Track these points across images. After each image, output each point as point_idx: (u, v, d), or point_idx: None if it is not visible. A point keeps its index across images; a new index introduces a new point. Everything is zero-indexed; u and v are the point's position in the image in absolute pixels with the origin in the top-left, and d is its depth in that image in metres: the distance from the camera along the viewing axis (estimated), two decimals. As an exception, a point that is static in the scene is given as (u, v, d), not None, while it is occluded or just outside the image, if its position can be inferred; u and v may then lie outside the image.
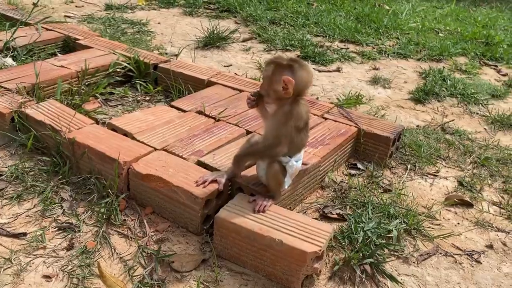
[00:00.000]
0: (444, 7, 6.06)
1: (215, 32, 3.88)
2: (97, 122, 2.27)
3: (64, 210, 1.78)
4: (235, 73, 3.22)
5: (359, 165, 2.21)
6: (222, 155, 1.93)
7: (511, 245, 1.81)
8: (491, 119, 2.89)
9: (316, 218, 1.83)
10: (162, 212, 1.78)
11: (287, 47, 3.94)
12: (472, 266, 1.69)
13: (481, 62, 4.02)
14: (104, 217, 1.73)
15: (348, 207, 1.91)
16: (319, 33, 4.43)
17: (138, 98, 2.73)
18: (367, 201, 1.91)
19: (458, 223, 1.91)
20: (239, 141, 2.07)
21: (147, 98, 2.75)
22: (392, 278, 1.54)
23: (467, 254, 1.74)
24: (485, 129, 2.81)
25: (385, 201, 1.93)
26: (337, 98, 2.96)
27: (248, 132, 2.16)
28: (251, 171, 1.81)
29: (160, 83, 2.84)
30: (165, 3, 5.13)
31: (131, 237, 1.67)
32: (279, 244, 1.46)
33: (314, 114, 2.32)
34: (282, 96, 1.51)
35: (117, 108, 2.60)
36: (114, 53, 2.91)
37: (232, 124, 2.21)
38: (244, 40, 4.11)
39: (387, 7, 5.58)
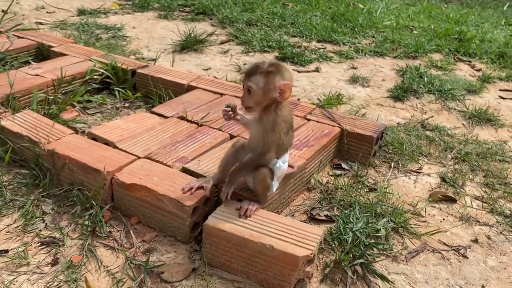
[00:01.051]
0: (416, 5, 6.17)
1: (192, 35, 3.85)
2: (76, 131, 2.22)
3: (46, 224, 1.73)
4: (215, 77, 3.20)
5: (343, 165, 2.21)
6: (207, 161, 1.91)
7: (495, 238, 1.85)
8: (469, 114, 2.95)
9: (304, 221, 1.83)
10: (149, 221, 1.75)
11: (265, 49, 3.94)
12: (460, 261, 1.71)
13: (455, 58, 4.10)
14: (89, 229, 1.68)
15: (335, 208, 1.91)
16: (296, 33, 4.44)
17: (117, 105, 2.67)
18: (354, 201, 1.91)
19: (443, 219, 1.94)
20: (223, 145, 2.05)
21: (126, 104, 2.70)
22: (383, 278, 1.54)
23: (454, 249, 1.76)
24: (463, 124, 2.86)
25: (371, 200, 1.94)
26: (318, 99, 2.97)
27: (231, 137, 2.14)
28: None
29: (139, 89, 2.79)
30: (139, 6, 5.07)
31: (117, 249, 1.63)
32: (271, 250, 1.45)
33: (297, 116, 2.32)
34: (272, 102, 1.50)
35: (96, 116, 2.54)
36: (90, 60, 2.85)
37: (215, 128, 2.19)
38: (221, 43, 4.09)
39: (361, 6, 5.64)
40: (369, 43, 4.30)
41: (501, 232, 1.88)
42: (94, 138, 2.06)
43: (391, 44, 4.25)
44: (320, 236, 1.51)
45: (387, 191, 2.04)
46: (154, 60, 3.27)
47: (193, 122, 2.24)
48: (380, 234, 1.74)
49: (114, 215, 1.79)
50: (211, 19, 4.85)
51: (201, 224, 1.70)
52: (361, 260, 1.58)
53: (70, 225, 1.72)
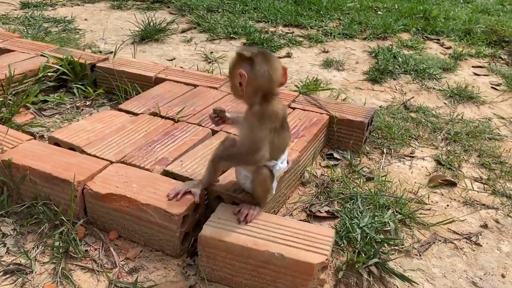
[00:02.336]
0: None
1: (152, 24, 3.57)
2: (34, 137, 1.94)
3: (8, 248, 1.46)
4: (181, 67, 2.96)
5: (335, 155, 2.06)
6: (191, 161, 1.70)
7: (503, 221, 1.75)
8: (449, 93, 2.87)
9: (305, 219, 1.66)
10: (131, 235, 1.52)
11: (231, 35, 3.72)
12: (473, 250, 1.60)
13: (423, 37, 4.04)
14: (61, 250, 1.44)
15: (335, 202, 1.75)
16: (260, 18, 4.24)
17: (77, 104, 2.39)
18: (354, 194, 1.76)
19: (448, 205, 1.82)
20: (206, 142, 1.84)
21: (88, 103, 2.42)
22: (403, 278, 1.40)
23: (465, 237, 1.65)
24: (445, 103, 2.78)
25: (371, 191, 1.80)
26: (296, 85, 2.80)
27: (213, 132, 1.93)
28: (228, 177, 1.60)
29: (100, 84, 2.52)
30: (89, -3, 4.69)
31: (98, 271, 1.40)
32: (280, 259, 1.27)
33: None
34: (240, 93, 1.31)
35: (54, 118, 2.25)
36: (42, 55, 2.54)
37: (194, 124, 1.97)
38: (183, 31, 3.83)
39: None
40: (336, 26, 4.17)
41: (508, 215, 1.79)
42: (57, 143, 1.80)
43: (359, 26, 4.13)
44: (332, 237, 1.34)
45: (385, 179, 1.90)
46: (113, 52, 2.97)
47: (168, 118, 2.01)
48: (389, 228, 1.60)
49: (89, 231, 1.55)
50: (168, 7, 4.56)
51: (192, 234, 1.51)
52: (376, 260, 1.43)
53: (37, 247, 1.47)
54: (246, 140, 1.37)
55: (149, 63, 2.60)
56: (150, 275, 1.40)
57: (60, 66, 2.49)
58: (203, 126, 1.95)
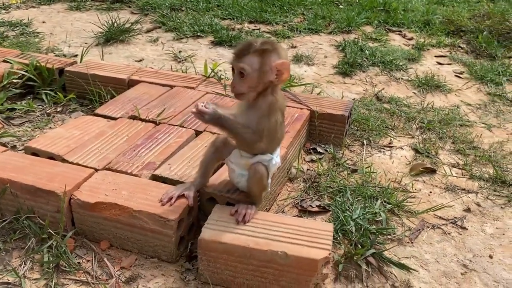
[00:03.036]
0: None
1: (116, 25, 3.47)
2: (5, 147, 1.84)
3: (-7, 267, 1.39)
4: (151, 67, 2.89)
5: (318, 149, 2.08)
6: (179, 164, 1.66)
7: (484, 204, 1.82)
8: (417, 83, 2.95)
9: (297, 215, 1.67)
10: (123, 244, 1.48)
11: (198, 34, 3.67)
12: (460, 234, 1.66)
13: (386, 29, 4.14)
14: (52, 265, 1.37)
15: (325, 196, 1.76)
16: (225, 16, 4.20)
17: (48, 111, 2.29)
18: (343, 187, 1.78)
19: (430, 192, 1.88)
20: (191, 144, 1.81)
21: (59, 109, 2.33)
22: (401, 266, 1.43)
23: (451, 222, 1.71)
24: (414, 93, 2.86)
25: (358, 183, 1.82)
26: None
27: (197, 132, 1.90)
28: (219, 178, 1.58)
29: (70, 89, 2.42)
30: (44, -2, 4.51)
31: (93, 283, 1.35)
32: (283, 257, 1.27)
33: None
34: (267, 87, 1.29)
35: (24, 127, 2.15)
36: (6, 61, 2.41)
37: (176, 125, 1.93)
38: (148, 31, 3.75)
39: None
40: (300, 21, 4.20)
41: (487, 198, 1.86)
42: (35, 153, 1.72)
43: (323, 20, 4.18)
44: (331, 231, 1.35)
45: (370, 170, 1.93)
46: (80, 55, 2.87)
47: (149, 121, 1.96)
48: (380, 218, 1.63)
49: (78, 242, 1.49)
50: (129, 6, 4.45)
51: (186, 238, 1.48)
52: (373, 251, 1.45)
53: (24, 264, 1.40)
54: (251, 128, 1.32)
55: (121, 65, 2.52)
56: (149, 283, 1.37)
57: (26, 72, 2.37)
58: (186, 128, 1.92)
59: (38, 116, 2.26)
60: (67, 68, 2.42)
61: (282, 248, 1.28)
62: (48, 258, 1.39)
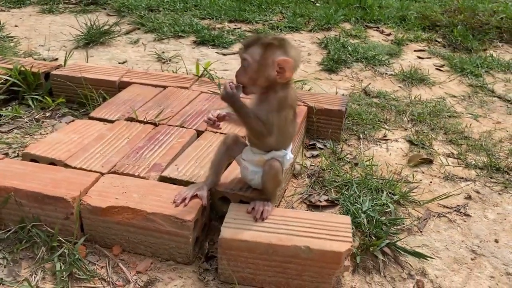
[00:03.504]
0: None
1: (95, 27, 3.38)
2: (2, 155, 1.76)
3: (2, 279, 1.32)
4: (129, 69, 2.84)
5: (318, 145, 2.09)
6: (186, 164, 1.64)
7: (483, 191, 1.88)
8: (402, 77, 3.01)
9: (308, 210, 1.67)
10: (136, 248, 1.44)
11: (179, 34, 3.63)
12: (465, 221, 1.70)
13: (364, 25, 4.21)
14: (65, 273, 1.33)
15: (332, 190, 1.78)
16: (204, 15, 4.17)
17: (36, 116, 2.21)
18: (348, 180, 1.80)
19: (431, 182, 1.92)
20: (195, 144, 1.79)
21: (47, 114, 2.25)
22: (417, 254, 1.46)
23: (455, 210, 1.75)
24: (400, 87, 2.92)
25: (362, 176, 1.85)
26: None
27: (198, 132, 1.88)
28: (229, 176, 1.57)
29: (58, 94, 2.35)
30: (14, 2, 4.36)
31: (110, 290, 1.31)
32: (307, 251, 1.27)
33: (258, 99, 2.12)
34: (273, 83, 1.29)
35: (13, 133, 2.07)
36: (-12, 66, 2.32)
37: (176, 126, 1.90)
38: (127, 32, 3.68)
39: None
40: (280, 19, 4.22)
41: (485, 185, 1.92)
42: (34, 159, 1.65)
43: (302, 18, 4.21)
44: (349, 224, 1.36)
45: (371, 163, 1.96)
46: (59, 59, 2.78)
47: (148, 123, 1.92)
48: (388, 209, 1.65)
49: (89, 249, 1.44)
50: (104, 8, 4.35)
51: (201, 238, 1.46)
52: (387, 241, 1.47)
53: (35, 274, 1.34)
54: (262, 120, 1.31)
55: (110, 67, 2.47)
56: (167, 286, 1.34)
57: (9, 76, 2.28)
58: (186, 128, 1.89)
59: (27, 122, 2.17)
60: (54, 72, 2.34)
61: (305, 242, 1.28)
62: (61, 267, 1.34)
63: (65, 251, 1.37)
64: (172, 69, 2.87)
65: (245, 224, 1.34)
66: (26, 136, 2.06)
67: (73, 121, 2.19)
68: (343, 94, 2.72)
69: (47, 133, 2.09)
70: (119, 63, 3.05)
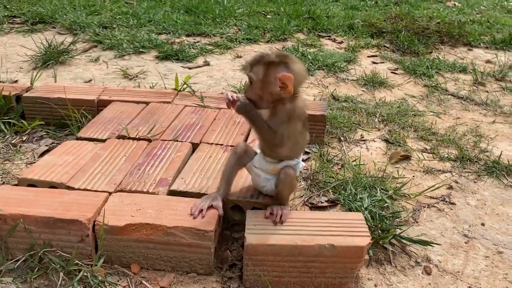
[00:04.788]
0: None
1: (52, 46, 3.28)
2: (-10, 183, 1.68)
3: (21, 311, 1.27)
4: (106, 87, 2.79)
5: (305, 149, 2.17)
6: (192, 177, 1.66)
7: (460, 181, 2.05)
8: (363, 82, 3.18)
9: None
10: (155, 264, 1.44)
11: (139, 50, 3.59)
12: (452, 209, 1.85)
13: (316, 35, 4.38)
14: (89, 298, 1.30)
15: (330, 191, 1.86)
16: (160, 30, 4.15)
17: (12, 141, 2.12)
18: (343, 180, 1.89)
19: (413, 176, 2.06)
20: (194, 156, 1.80)
21: (24, 138, 2.16)
22: (423, 242, 1.57)
23: (441, 200, 1.89)
24: (363, 91, 3.09)
25: (353, 175, 1.95)
26: (232, 91, 2.85)
27: (194, 145, 1.89)
28: (236, 185, 1.60)
29: (31, 116, 2.26)
30: (-48, 25, 4.10)
31: (139, 308, 1.30)
32: (331, 249, 1.33)
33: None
34: (279, 97, 1.35)
35: (-8, 160, 1.97)
36: (-45, 92, 2.18)
37: (170, 140, 1.91)
38: (85, 51, 3.58)
39: (204, -3, 5.58)
40: (235, 32, 4.29)
41: (461, 175, 2.09)
42: (31, 184, 1.59)
43: (258, 30, 4.31)
44: (363, 220, 1.45)
45: (359, 163, 2.07)
46: (22, 81, 2.68)
47: (141, 139, 1.91)
48: (386, 204, 1.76)
49: (107, 270, 1.42)
50: (54, 27, 4.20)
51: (218, 248, 1.49)
52: (394, 233, 1.58)
53: (56, 301, 1.30)
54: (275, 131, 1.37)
55: (85, 86, 2.42)
56: (194, 298, 1.35)
57: (-22, 101, 2.17)
58: (181, 141, 1.90)
59: (3, 147, 2.07)
60: (26, 94, 2.25)
61: (328, 240, 1.34)
62: (83, 291, 1.31)
63: (85, 274, 1.34)
64: (141, 85, 2.84)
65: (266, 229, 1.39)
66: (5, 162, 1.97)
67: (52, 143, 2.13)
68: (314, 100, 2.83)
69: (27, 158, 2.01)
70: (85, 82, 2.98)
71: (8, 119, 2.21)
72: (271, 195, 1.52)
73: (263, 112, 1.41)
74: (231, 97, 1.37)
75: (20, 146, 2.10)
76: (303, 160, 1.57)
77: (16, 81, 2.88)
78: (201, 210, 1.43)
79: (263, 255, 1.34)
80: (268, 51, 1.37)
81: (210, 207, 1.45)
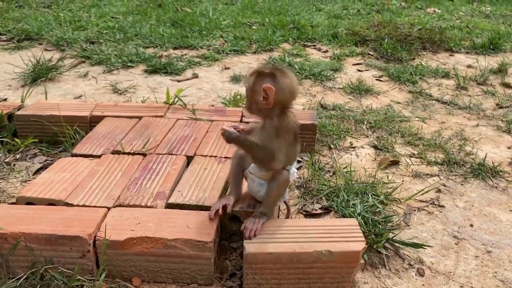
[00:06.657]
0: (235, 3, 6.45)
1: (40, 63, 3.29)
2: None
3: (26, 328, 1.29)
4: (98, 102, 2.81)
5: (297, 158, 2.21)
6: (188, 189, 1.69)
7: (448, 184, 2.11)
8: (349, 90, 3.26)
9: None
10: (156, 277, 1.46)
11: (127, 64, 3.62)
12: (441, 211, 1.91)
13: (301, 45, 4.46)
14: (93, 312, 1.32)
15: (323, 199, 1.91)
16: (147, 44, 4.19)
17: (6, 160, 2.13)
18: (335, 187, 1.94)
19: (403, 181, 2.12)
20: (189, 169, 1.84)
21: (17, 156, 2.17)
22: (416, 245, 1.62)
23: (430, 203, 1.95)
24: (350, 98, 3.15)
25: (345, 182, 2.00)
26: (222, 103, 2.89)
27: (188, 157, 1.93)
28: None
29: (23, 134, 2.27)
30: None
31: (142, 321, 1.32)
32: (328, 255, 1.37)
33: (235, 121, 2.22)
34: (264, 107, 1.40)
35: (-14, 179, 1.98)
36: None
37: (165, 154, 1.94)
38: (73, 66, 3.60)
39: (189, 10, 5.64)
40: (222, 43, 4.35)
41: (448, 178, 2.16)
42: (30, 202, 1.61)
43: (244, 41, 4.37)
44: (358, 225, 1.50)
45: (350, 170, 2.12)
46: (11, 99, 2.69)
47: (135, 154, 1.94)
48: (378, 209, 1.81)
49: (109, 284, 1.44)
50: (40, 43, 4.21)
51: (217, 259, 1.52)
52: (388, 237, 1.63)
53: (60, 318, 1.32)
54: (264, 147, 1.42)
55: (78, 102, 2.44)
56: (197, 308, 1.38)
57: (-30, 121, 2.18)
58: (175, 154, 1.94)
59: (-3, 166, 2.08)
60: (18, 113, 2.27)
61: (325, 247, 1.38)
62: (86, 306, 1.33)
63: (88, 289, 1.36)
64: (131, 99, 2.87)
65: (265, 237, 1.43)
66: (0, 181, 1.98)
67: (46, 161, 2.15)
68: (303, 109, 2.88)
69: (22, 176, 2.03)
70: (75, 98, 2.99)
71: (1, 137, 2.22)
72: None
73: (256, 127, 1.47)
74: (221, 130, 1.47)
75: (14, 165, 2.11)
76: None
77: (5, 99, 2.89)
78: (217, 211, 1.48)
79: (263, 263, 1.38)
80: (269, 64, 1.43)
81: (224, 206, 1.50)
